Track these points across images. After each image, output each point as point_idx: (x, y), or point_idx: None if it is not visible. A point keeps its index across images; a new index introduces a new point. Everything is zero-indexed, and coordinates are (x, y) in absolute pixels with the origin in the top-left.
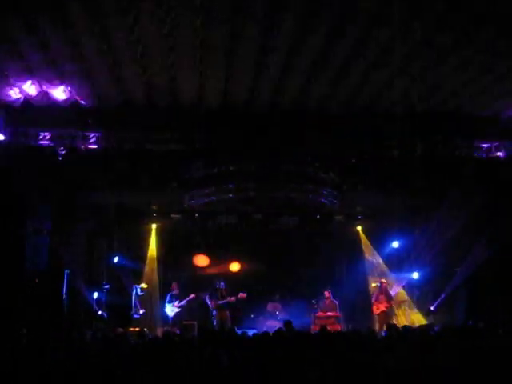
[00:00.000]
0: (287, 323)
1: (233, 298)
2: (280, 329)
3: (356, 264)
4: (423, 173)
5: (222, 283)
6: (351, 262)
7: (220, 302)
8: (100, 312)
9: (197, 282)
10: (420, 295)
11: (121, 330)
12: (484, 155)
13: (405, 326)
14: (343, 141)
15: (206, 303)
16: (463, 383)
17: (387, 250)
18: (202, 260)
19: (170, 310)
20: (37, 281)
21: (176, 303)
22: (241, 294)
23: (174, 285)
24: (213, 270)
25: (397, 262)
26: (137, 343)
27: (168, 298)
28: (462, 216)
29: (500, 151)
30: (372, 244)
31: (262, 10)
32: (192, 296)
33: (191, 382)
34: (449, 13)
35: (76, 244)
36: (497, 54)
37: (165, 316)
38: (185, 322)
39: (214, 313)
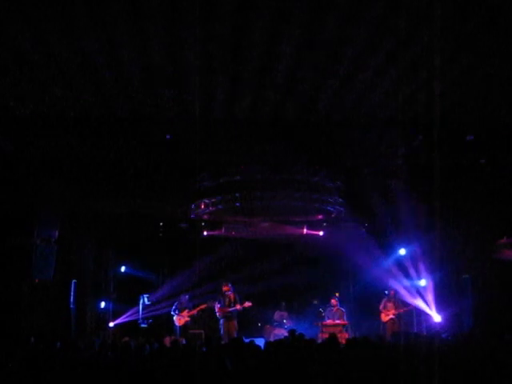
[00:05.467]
0: (291, 332)
1: (239, 307)
2: (286, 337)
3: (363, 272)
4: (429, 180)
5: (228, 285)
6: (358, 270)
7: (227, 309)
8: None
9: (205, 290)
10: (427, 302)
11: (127, 339)
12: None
13: (415, 333)
14: (349, 149)
15: (214, 311)
16: None
17: (394, 257)
18: None
19: (178, 319)
20: (45, 290)
21: (185, 312)
22: (246, 303)
23: (183, 296)
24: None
25: (404, 269)
26: (144, 352)
27: (174, 307)
28: (469, 223)
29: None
30: (379, 251)
31: (266, 21)
32: (203, 306)
33: None
34: (452, 19)
35: (83, 253)
36: (500, 59)
37: (172, 325)
38: (191, 331)
39: (221, 321)
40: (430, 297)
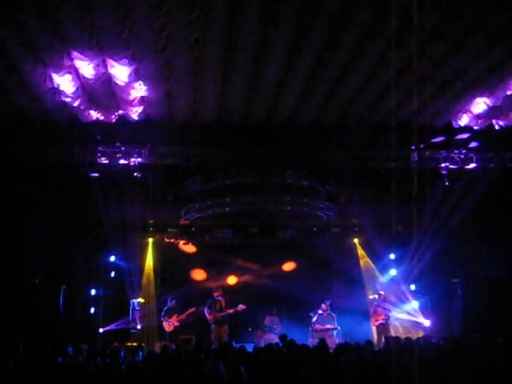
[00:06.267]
0: (283, 336)
1: (231, 311)
2: (277, 343)
3: (353, 276)
4: (419, 184)
5: (219, 290)
6: (348, 275)
7: (219, 314)
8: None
9: (194, 295)
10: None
11: (117, 344)
12: (476, 166)
13: (406, 338)
14: (339, 153)
15: (205, 316)
16: None
17: (384, 262)
18: (199, 274)
19: (167, 324)
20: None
21: (174, 317)
22: (240, 306)
23: (169, 301)
24: (210, 284)
25: (394, 274)
26: (134, 358)
27: (162, 313)
28: (458, 226)
29: (493, 162)
30: (369, 256)
31: (256, 26)
32: (192, 310)
33: None
34: (441, 23)
35: (73, 258)
36: (489, 63)
37: (162, 330)
38: (182, 337)
39: (212, 327)
40: (420, 301)
